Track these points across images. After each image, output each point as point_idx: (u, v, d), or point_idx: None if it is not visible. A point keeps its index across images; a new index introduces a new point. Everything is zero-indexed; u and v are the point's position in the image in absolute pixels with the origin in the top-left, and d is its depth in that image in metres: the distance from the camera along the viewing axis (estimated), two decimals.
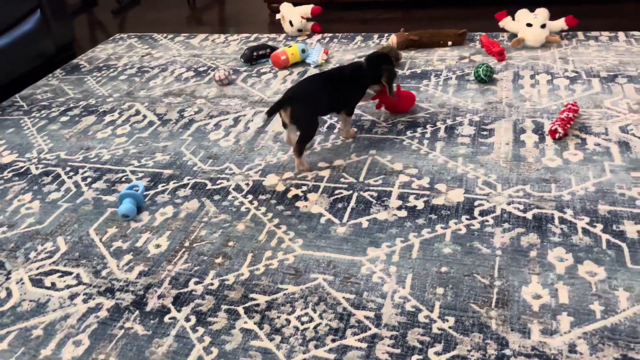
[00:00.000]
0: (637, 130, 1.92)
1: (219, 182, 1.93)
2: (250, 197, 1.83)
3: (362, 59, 2.07)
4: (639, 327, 1.22)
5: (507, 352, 1.21)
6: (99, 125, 2.45)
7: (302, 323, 1.34)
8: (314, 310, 1.37)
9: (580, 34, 2.79)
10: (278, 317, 1.36)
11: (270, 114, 1.84)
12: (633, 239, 1.46)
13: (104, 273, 1.58)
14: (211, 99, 2.57)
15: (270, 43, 3.14)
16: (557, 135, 1.92)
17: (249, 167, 2.01)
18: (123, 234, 1.72)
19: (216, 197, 1.85)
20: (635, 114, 2.02)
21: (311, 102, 1.89)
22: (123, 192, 1.80)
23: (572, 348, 1.20)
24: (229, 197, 1.84)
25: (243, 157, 2.07)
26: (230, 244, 1.63)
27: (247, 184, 1.90)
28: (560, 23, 2.68)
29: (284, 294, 1.43)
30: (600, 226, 1.52)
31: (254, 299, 1.43)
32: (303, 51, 2.79)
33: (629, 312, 1.26)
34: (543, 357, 1.18)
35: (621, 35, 2.73)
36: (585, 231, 1.51)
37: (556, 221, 1.56)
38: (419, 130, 2.11)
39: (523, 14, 2.71)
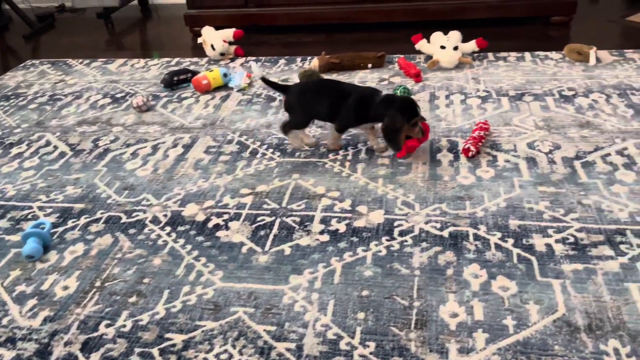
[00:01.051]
0: (543, 146, 2.03)
1: (134, 214, 1.85)
2: (168, 229, 1.76)
3: (386, 93, 2.00)
4: (548, 339, 1.27)
5: None
6: (4, 159, 2.28)
7: None
8: (234, 347, 1.32)
9: (490, 55, 2.94)
10: (195, 357, 1.30)
11: (268, 83, 2.11)
12: (541, 252, 1.53)
13: (4, 321, 1.45)
14: (129, 126, 2.48)
15: (192, 67, 3.08)
16: (470, 154, 2.00)
17: (168, 197, 1.93)
18: (27, 277, 1.60)
19: (131, 231, 1.76)
20: (541, 130, 2.15)
21: (304, 100, 2.03)
22: (27, 231, 1.68)
23: None
24: (145, 230, 1.76)
25: (161, 186, 2.00)
26: (146, 280, 1.55)
27: (165, 215, 1.83)
28: (472, 45, 2.81)
29: (202, 331, 1.37)
30: (511, 241, 1.58)
31: (170, 339, 1.36)
32: (225, 75, 2.76)
33: (539, 325, 1.31)
34: None
35: (527, 55, 2.91)
36: (498, 246, 1.57)
37: (471, 238, 1.61)
38: (341, 152, 2.13)
39: (437, 37, 2.82)
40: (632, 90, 2.40)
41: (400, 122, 1.88)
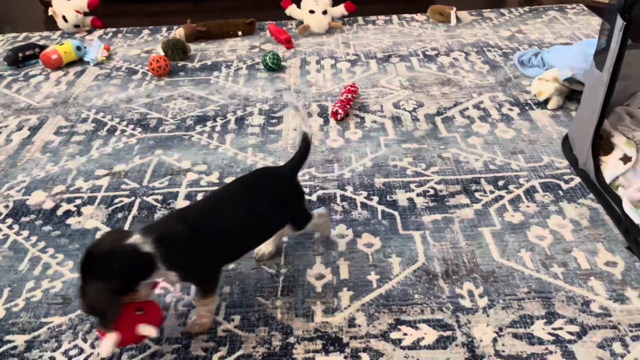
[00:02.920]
0: (408, 105, 2.08)
1: None
2: (9, 221, 1.57)
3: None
4: (409, 289, 1.30)
5: (291, 339, 1.19)
6: None
7: (70, 358, 1.17)
8: (85, 340, 1.20)
9: (360, 19, 2.95)
10: (40, 357, 1.17)
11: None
12: (404, 207, 1.56)
13: None
14: None
15: (42, 42, 2.76)
16: (338, 117, 1.99)
17: (10, 185, 1.72)
18: None
19: None
20: (406, 89, 2.19)
21: None
22: None
23: (351, 322, 1.22)
24: None
25: (2, 175, 1.77)
26: None
27: (7, 206, 1.63)
28: (341, 9, 2.80)
29: (48, 328, 1.23)
30: (376, 198, 1.60)
31: (11, 341, 1.21)
32: (78, 48, 2.51)
33: (401, 277, 1.33)
34: (325, 337, 1.19)
35: (395, 18, 2.96)
36: (364, 205, 1.58)
37: (338, 199, 1.60)
38: (209, 124, 2.02)
39: (307, 2, 2.77)
40: (489, 47, 2.53)
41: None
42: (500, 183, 1.63)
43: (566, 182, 1.61)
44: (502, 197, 1.57)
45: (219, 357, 1.16)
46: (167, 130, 2.00)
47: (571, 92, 2.02)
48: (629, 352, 1.11)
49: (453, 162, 1.74)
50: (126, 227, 1.53)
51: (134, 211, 1.59)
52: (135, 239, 1.05)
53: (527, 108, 2.01)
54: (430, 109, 2.04)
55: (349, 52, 2.56)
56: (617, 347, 1.12)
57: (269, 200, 1.22)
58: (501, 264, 1.35)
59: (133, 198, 1.65)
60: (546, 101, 2.01)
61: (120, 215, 1.58)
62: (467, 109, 2.03)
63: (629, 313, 1.20)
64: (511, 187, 1.61)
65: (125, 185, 1.71)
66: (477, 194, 1.59)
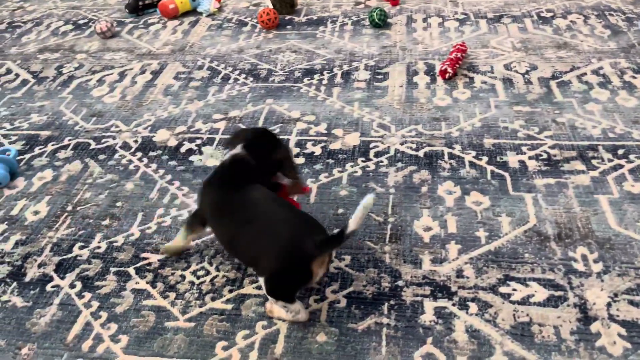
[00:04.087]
0: (520, 67, 2.01)
1: (103, 141, 1.79)
2: (139, 154, 1.72)
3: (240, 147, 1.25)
4: (519, 248, 1.30)
5: (400, 282, 1.24)
6: None
7: (198, 277, 1.29)
8: (210, 264, 1.33)
9: None
10: (172, 274, 1.30)
11: None
12: (514, 169, 1.54)
13: None
14: (93, 53, 2.36)
15: None
16: (446, 75, 1.97)
17: (137, 123, 1.87)
18: None
19: (101, 157, 1.71)
20: (519, 51, 2.12)
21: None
22: None
23: (459, 273, 1.25)
24: (116, 156, 1.71)
25: (130, 113, 1.93)
26: (119, 204, 1.52)
27: (136, 141, 1.78)
28: None
29: None
30: (485, 159, 1.59)
31: (146, 259, 1.35)
32: None
33: (511, 236, 1.33)
34: (433, 284, 1.23)
35: None
36: (472, 164, 1.57)
37: (445, 157, 1.61)
38: (316, 77, 2.07)
39: None
40: (611, 11, 2.37)
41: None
42: (620, 152, 1.56)
43: None
44: (621, 166, 1.51)
45: (331, 290, 1.24)
46: (277, 80, 2.07)
47: None
48: None
49: (568, 127, 1.68)
50: None
51: None
52: None
53: None
54: (544, 73, 1.96)
55: (457, 10, 2.49)
56: None
57: None
58: (618, 232, 1.31)
59: None
60: None
61: None
62: (585, 74, 1.93)
63: None
64: (632, 156, 1.54)
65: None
66: (594, 161, 1.53)
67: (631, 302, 1.15)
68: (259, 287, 1.25)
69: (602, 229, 1.32)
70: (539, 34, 2.23)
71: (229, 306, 1.22)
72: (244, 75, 2.12)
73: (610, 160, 1.53)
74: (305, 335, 1.15)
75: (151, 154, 1.72)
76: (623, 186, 1.44)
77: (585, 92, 1.84)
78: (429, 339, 1.12)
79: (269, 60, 2.21)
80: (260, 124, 1.83)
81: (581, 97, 1.81)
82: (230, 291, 1.25)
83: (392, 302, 1.20)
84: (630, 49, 2.07)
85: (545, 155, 1.57)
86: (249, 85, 2.05)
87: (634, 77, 1.89)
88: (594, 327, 1.10)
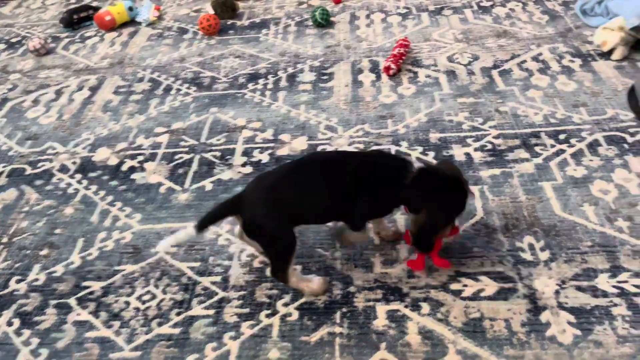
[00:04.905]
0: (462, 58, 2.02)
1: (40, 164, 1.71)
2: (78, 176, 1.65)
3: (421, 167, 1.16)
4: (467, 242, 1.30)
5: (352, 289, 1.22)
6: None
7: (144, 302, 1.24)
8: (156, 287, 1.28)
9: None
10: (116, 302, 1.25)
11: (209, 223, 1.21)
12: (461, 162, 1.54)
13: None
14: (27, 72, 2.26)
15: (95, 4, 2.82)
16: (390, 72, 1.96)
17: (76, 143, 1.80)
18: None
19: (38, 182, 1.63)
20: (460, 42, 2.13)
21: (274, 205, 1.16)
22: None
23: (410, 273, 1.24)
24: (53, 180, 1.64)
25: (68, 133, 1.85)
26: (57, 231, 1.45)
27: (74, 163, 1.71)
28: None
29: (122, 276, 1.31)
30: (432, 154, 1.58)
31: (88, 287, 1.29)
32: (130, 9, 2.54)
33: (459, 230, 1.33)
34: (385, 287, 1.21)
35: None
36: (420, 161, 1.57)
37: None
38: (261, 82, 2.04)
39: None
40: None
41: (444, 221, 1.15)
42: (562, 137, 1.58)
43: (632, 135, 1.55)
44: (563, 151, 1.53)
45: (282, 303, 1.21)
46: (221, 88, 2.02)
47: (637, 42, 1.91)
48: None
49: (511, 116, 1.69)
50: (187, 183, 1.58)
51: (194, 166, 1.64)
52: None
53: (589, 59, 1.92)
54: (486, 62, 1.98)
55: (399, 5, 2.49)
56: None
57: None
58: (563, 218, 1.32)
59: (192, 154, 1.70)
60: (610, 52, 1.91)
61: (181, 170, 1.63)
62: (525, 61, 1.96)
63: None
64: (573, 140, 1.56)
65: (184, 142, 1.76)
66: (537, 148, 1.55)
67: (579, 288, 1.16)
68: (208, 307, 1.21)
69: (547, 216, 1.33)
70: (479, 24, 2.25)
71: (177, 330, 1.17)
72: (186, 85, 2.06)
73: (552, 146, 1.55)
74: (257, 353, 1.11)
75: (91, 174, 1.65)
76: (566, 171, 1.46)
77: (525, 79, 1.86)
78: (383, 345, 1.10)
79: (212, 68, 2.16)
80: (205, 134, 1.78)
81: (522, 84, 1.83)
82: (178, 314, 1.21)
83: (344, 309, 1.18)
84: (567, 33, 2.10)
85: (489, 146, 1.58)
86: (192, 95, 2.00)
87: (572, 61, 1.92)
88: (544, 316, 1.11)
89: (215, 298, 1.24)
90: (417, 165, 1.16)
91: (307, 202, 1.16)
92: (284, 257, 1.16)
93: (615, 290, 1.14)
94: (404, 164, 1.16)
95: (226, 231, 1.40)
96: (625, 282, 1.15)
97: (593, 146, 1.53)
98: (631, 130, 1.57)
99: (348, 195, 1.14)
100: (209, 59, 2.23)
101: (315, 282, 1.21)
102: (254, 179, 1.24)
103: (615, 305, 1.11)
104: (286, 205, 1.14)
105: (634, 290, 1.13)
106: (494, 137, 1.61)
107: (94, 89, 2.09)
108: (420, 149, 1.61)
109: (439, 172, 1.16)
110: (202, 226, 1.16)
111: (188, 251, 1.36)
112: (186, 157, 1.69)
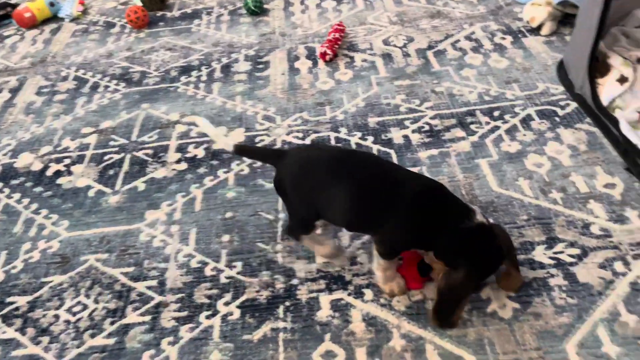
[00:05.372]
0: (397, 41, 2.01)
1: None
2: None
3: (481, 221, 1.01)
4: None
5: (294, 281, 1.19)
6: None
7: (74, 314, 1.17)
8: (87, 296, 1.20)
9: None
10: (44, 316, 1.17)
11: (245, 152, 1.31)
12: (399, 144, 1.53)
13: None
14: None
15: (13, 1, 2.64)
16: (327, 58, 1.93)
17: None
18: None
19: None
20: (395, 25, 2.12)
21: (302, 180, 1.11)
22: None
23: (353, 261, 1.22)
24: None
25: None
26: None
27: None
28: None
29: (50, 288, 1.23)
30: (371, 138, 1.57)
31: (13, 303, 1.20)
32: (52, 4, 2.40)
33: None
34: (328, 276, 1.19)
35: None
36: (359, 146, 1.55)
37: (332, 141, 1.57)
38: (194, 74, 1.96)
39: None
40: None
41: (472, 286, 1.02)
42: (496, 114, 1.59)
43: (562, 107, 1.59)
44: (498, 127, 1.54)
45: (223, 303, 1.16)
46: (152, 83, 1.93)
47: (565, 17, 1.96)
48: (630, 270, 1.12)
49: (447, 96, 1.70)
50: (118, 184, 1.50)
51: (126, 167, 1.56)
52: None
53: (520, 36, 1.95)
54: (421, 44, 1.97)
55: None
56: (618, 266, 1.13)
57: None
58: (500, 193, 1.34)
59: (123, 154, 1.61)
60: (539, 27, 1.94)
61: (111, 172, 1.55)
62: (459, 41, 1.97)
63: (629, 232, 1.20)
64: (507, 116, 1.58)
65: (114, 141, 1.67)
66: (472, 127, 1.56)
67: None
68: (144, 313, 1.15)
69: (484, 193, 1.34)
70: (413, 5, 2.24)
71: (111, 340, 1.11)
72: (115, 82, 1.96)
73: (487, 124, 1.56)
74: (197, 357, 1.07)
75: (13, 182, 1.54)
76: (501, 147, 1.47)
77: (459, 58, 1.87)
78: (327, 336, 1.08)
79: (142, 62, 2.06)
80: (136, 132, 1.69)
81: (456, 64, 1.84)
82: (112, 323, 1.14)
83: (287, 303, 1.15)
84: (498, 11, 2.13)
85: (427, 127, 1.58)
86: (121, 91, 1.90)
87: (503, 38, 1.95)
88: (484, 293, 1.11)
89: (152, 303, 1.18)
90: (479, 218, 1.00)
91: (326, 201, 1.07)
92: (302, 225, 1.15)
93: (552, 262, 1.16)
94: (467, 209, 1.01)
95: (161, 232, 1.34)
96: (561, 252, 1.18)
97: (526, 121, 1.55)
98: (561, 103, 1.60)
99: (383, 208, 1.02)
100: (138, 53, 2.13)
101: (324, 248, 1.19)
102: (309, 144, 1.24)
103: (552, 276, 1.13)
104: (311, 189, 1.08)
105: (569, 260, 1.16)
106: (430, 118, 1.61)
107: (14, 91, 1.96)
108: (359, 134, 1.59)
109: (497, 237, 1.01)
110: (239, 149, 1.21)
111: (120, 256, 1.29)
112: (116, 157, 1.60)
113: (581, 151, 1.42)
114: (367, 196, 1.03)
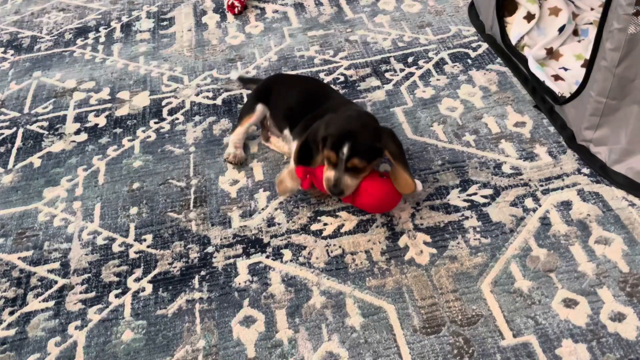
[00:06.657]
0: None
1: None
2: None
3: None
4: None
5: (210, 249, 1.13)
6: None
7: None
8: None
9: None
10: None
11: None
12: None
13: None
14: None
15: None
16: (236, 10, 1.81)
17: None
18: None
19: None
20: None
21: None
22: None
23: (270, 222, 1.18)
24: None
25: None
26: None
27: None
28: None
29: None
30: None
31: None
32: None
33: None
34: (245, 240, 1.14)
35: None
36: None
37: (245, 100, 1.49)
38: (91, 35, 1.80)
39: None
40: None
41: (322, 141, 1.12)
42: (410, 60, 1.57)
43: (474, 49, 1.58)
44: (412, 74, 1.52)
45: (134, 279, 1.09)
46: (44, 48, 1.76)
47: None
48: (540, 205, 1.14)
49: (361, 44, 1.65)
50: (11, 162, 1.37)
51: (18, 142, 1.42)
52: None
53: None
54: None
55: None
56: (529, 202, 1.15)
57: None
58: (415, 140, 1.32)
59: (15, 129, 1.47)
60: None
61: (2, 149, 1.41)
62: None
63: (538, 169, 1.22)
64: (421, 62, 1.55)
65: (4, 115, 1.51)
66: (387, 75, 1.52)
67: (432, 207, 1.17)
68: (46, 299, 1.07)
69: (401, 141, 1.32)
70: None
71: (12, 331, 1.02)
72: (1, 49, 1.76)
73: (402, 70, 1.53)
74: (108, 338, 1.00)
75: None
76: (415, 94, 1.45)
77: (372, 4, 1.81)
78: (246, 302, 1.04)
79: (32, 26, 1.87)
80: (28, 102, 1.54)
81: (370, 10, 1.78)
82: (11, 313, 1.05)
83: (202, 272, 1.09)
84: None
85: (342, 78, 1.53)
86: (9, 59, 1.72)
87: None
88: (402, 241, 1.11)
89: (55, 287, 1.09)
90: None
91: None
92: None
93: (466, 204, 1.16)
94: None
95: (62, 210, 1.24)
96: (475, 194, 1.18)
97: (439, 65, 1.53)
98: (473, 45, 1.60)
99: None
100: (27, 16, 1.92)
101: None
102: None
103: (467, 218, 1.14)
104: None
105: (482, 200, 1.17)
106: (345, 69, 1.56)
107: None
108: None
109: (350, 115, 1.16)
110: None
111: (17, 240, 1.18)
112: (8, 132, 1.46)
113: (492, 92, 1.43)
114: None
